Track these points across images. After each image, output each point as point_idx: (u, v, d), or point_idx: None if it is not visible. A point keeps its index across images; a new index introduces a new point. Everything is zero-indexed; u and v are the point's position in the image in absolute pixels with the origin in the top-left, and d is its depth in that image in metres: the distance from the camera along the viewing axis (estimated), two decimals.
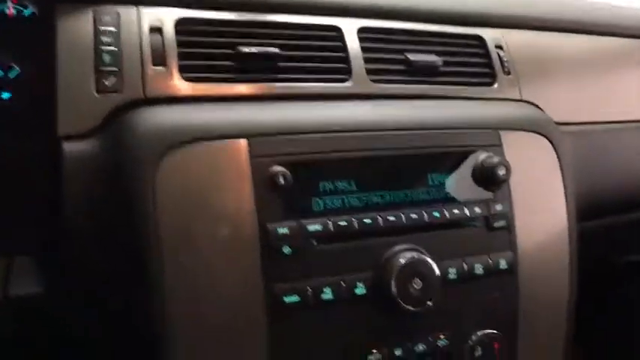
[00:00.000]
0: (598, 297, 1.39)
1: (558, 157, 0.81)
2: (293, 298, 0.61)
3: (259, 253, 0.60)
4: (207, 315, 0.59)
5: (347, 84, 0.74)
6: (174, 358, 0.58)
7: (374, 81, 0.76)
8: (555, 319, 0.79)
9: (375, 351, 0.66)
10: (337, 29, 0.77)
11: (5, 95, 0.65)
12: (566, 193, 0.80)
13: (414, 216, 0.68)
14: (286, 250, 0.61)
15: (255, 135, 0.63)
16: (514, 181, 0.75)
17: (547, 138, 0.80)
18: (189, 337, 0.58)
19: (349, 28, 0.77)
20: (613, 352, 1.39)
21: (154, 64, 0.65)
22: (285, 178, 0.61)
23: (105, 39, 0.65)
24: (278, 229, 0.61)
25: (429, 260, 0.66)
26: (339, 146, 0.66)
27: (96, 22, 0.65)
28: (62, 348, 0.70)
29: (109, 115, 0.63)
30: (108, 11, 0.67)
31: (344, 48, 0.76)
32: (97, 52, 0.64)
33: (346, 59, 0.75)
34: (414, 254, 0.66)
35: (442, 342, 0.70)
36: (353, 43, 0.76)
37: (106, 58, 0.64)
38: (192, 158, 0.60)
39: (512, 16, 0.92)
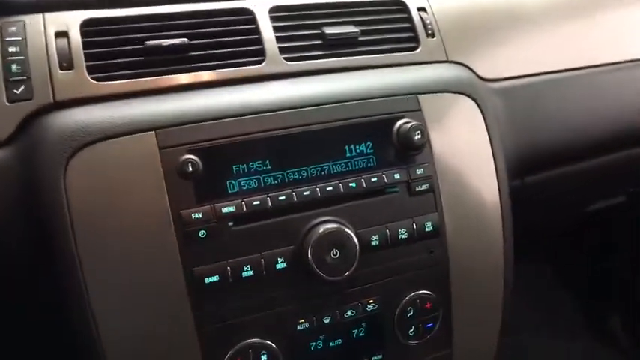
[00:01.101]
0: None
1: (484, 116, 0.81)
2: (213, 278, 0.64)
3: (176, 239, 0.63)
4: (131, 306, 0.62)
5: (260, 65, 0.75)
6: (102, 355, 0.61)
7: (288, 59, 0.77)
8: (491, 276, 0.80)
9: (302, 320, 0.69)
10: (248, 12, 0.77)
11: None
12: (493, 152, 0.81)
13: (329, 188, 0.70)
14: (202, 233, 0.64)
15: (162, 127, 0.65)
16: (437, 144, 0.76)
17: (471, 97, 0.81)
18: (114, 333, 0.62)
19: (260, 9, 0.78)
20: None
21: (62, 68, 0.67)
22: (193, 166, 0.64)
23: (12, 49, 0.67)
24: (192, 215, 0.64)
25: (346, 230, 0.68)
26: (248, 128, 0.68)
27: (2, 33, 0.68)
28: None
29: (22, 123, 0.65)
30: (14, 22, 0.69)
31: (256, 30, 0.77)
32: (5, 63, 0.66)
33: (259, 41, 0.76)
34: (331, 225, 0.68)
35: (371, 306, 0.72)
36: (264, 24, 0.77)
37: (14, 67, 0.66)
38: (101, 157, 0.63)
39: None
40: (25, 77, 0.66)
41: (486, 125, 0.81)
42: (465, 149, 0.79)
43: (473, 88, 0.82)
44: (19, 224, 0.63)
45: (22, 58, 0.67)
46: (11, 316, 0.71)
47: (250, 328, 0.67)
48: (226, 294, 0.65)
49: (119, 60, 0.70)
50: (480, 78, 0.88)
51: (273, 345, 0.67)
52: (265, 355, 0.67)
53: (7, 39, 0.67)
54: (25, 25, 0.69)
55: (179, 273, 0.63)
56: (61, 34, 0.69)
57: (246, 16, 0.77)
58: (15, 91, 0.66)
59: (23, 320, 0.68)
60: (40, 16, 0.70)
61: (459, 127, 0.80)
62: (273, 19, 0.78)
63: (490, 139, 0.81)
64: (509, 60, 0.91)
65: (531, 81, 0.93)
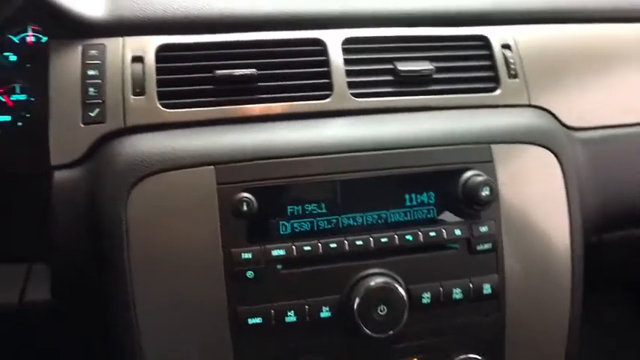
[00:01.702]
0: None
1: (563, 170, 0.75)
2: (256, 320, 0.64)
3: (224, 277, 0.63)
4: (174, 336, 0.63)
5: (327, 100, 0.74)
6: None
7: (355, 95, 0.74)
8: (552, 346, 0.75)
9: None
10: (320, 42, 0.76)
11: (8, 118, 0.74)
12: (570, 210, 0.74)
13: (383, 240, 0.67)
14: (250, 274, 0.64)
15: (222, 162, 0.65)
16: (506, 200, 0.71)
17: (550, 150, 0.75)
18: (160, 354, 0.63)
19: (333, 40, 0.76)
20: None
21: (134, 94, 0.69)
22: (248, 205, 0.63)
23: (90, 72, 0.70)
24: (242, 255, 0.64)
25: (396, 286, 0.65)
26: (308, 170, 0.67)
27: (84, 55, 0.70)
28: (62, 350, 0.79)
29: (93, 145, 0.68)
30: (95, 44, 0.71)
31: (327, 62, 0.75)
32: (84, 85, 0.69)
33: (328, 74, 0.74)
34: (381, 279, 0.65)
35: None
36: (336, 56, 0.75)
37: (91, 90, 0.69)
38: (161, 187, 0.64)
39: (524, 10, 0.84)
40: (100, 101, 0.68)
41: (565, 181, 0.75)
42: (538, 207, 0.73)
43: (554, 140, 0.75)
44: (80, 239, 0.66)
45: (100, 82, 0.69)
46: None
47: None
48: (268, 337, 0.65)
49: (189, 87, 0.71)
50: (564, 126, 0.81)
51: None
52: None
53: (88, 62, 0.70)
54: (105, 48, 0.71)
55: (223, 311, 0.64)
56: (137, 59, 0.71)
57: (317, 47, 0.76)
58: (90, 113, 0.68)
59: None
60: (119, 39, 0.72)
61: (534, 183, 0.74)
62: (345, 51, 0.76)
63: (567, 197, 0.74)
64: (600, 107, 0.83)
65: (624, 132, 0.84)
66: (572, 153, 0.77)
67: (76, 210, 0.66)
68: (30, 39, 0.79)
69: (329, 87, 0.74)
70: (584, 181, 0.78)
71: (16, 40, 0.79)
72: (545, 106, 0.81)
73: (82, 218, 0.65)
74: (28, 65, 0.77)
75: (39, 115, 0.70)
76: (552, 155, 0.75)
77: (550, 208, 0.74)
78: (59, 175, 0.67)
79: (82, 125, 0.68)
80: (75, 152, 0.68)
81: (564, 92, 0.82)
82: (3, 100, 0.79)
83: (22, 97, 0.78)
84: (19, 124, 0.77)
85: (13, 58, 0.79)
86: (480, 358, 0.71)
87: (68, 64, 0.70)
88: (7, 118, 0.78)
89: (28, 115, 0.75)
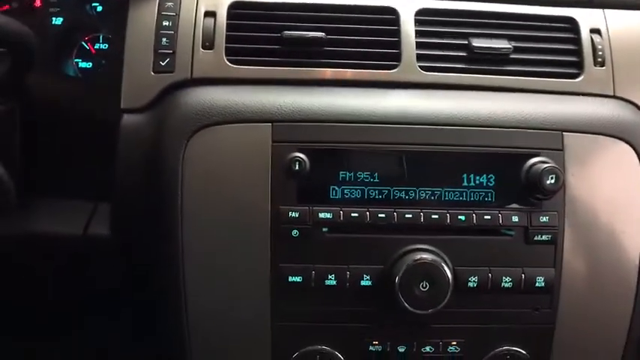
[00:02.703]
0: None
1: None
2: (296, 279, 0.64)
3: (270, 233, 0.64)
4: (219, 284, 0.65)
5: (394, 71, 0.72)
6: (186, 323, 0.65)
7: (424, 68, 0.72)
8: (605, 355, 0.69)
9: (376, 342, 0.66)
10: (393, 11, 0.74)
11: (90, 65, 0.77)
12: None
13: (434, 216, 0.65)
14: (295, 233, 0.64)
15: (280, 120, 0.66)
16: (573, 192, 0.67)
17: (630, 144, 0.69)
18: (200, 305, 0.65)
19: (407, 9, 0.74)
20: None
21: (204, 47, 0.71)
22: (300, 165, 0.64)
23: (165, 23, 0.72)
24: (289, 213, 0.64)
25: (442, 264, 0.63)
26: (364, 137, 0.66)
27: (160, 7, 0.73)
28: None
29: (161, 93, 0.71)
30: None
31: (397, 32, 0.73)
32: (157, 35, 0.72)
33: (397, 44, 0.72)
34: (426, 255, 0.64)
35: (453, 348, 0.67)
36: (407, 27, 0.73)
37: (164, 40, 0.71)
38: (217, 139, 0.65)
39: None
40: (170, 51, 0.71)
41: None
42: (610, 204, 0.68)
43: (636, 135, 0.69)
44: (140, 181, 0.69)
45: (172, 32, 0.71)
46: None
47: (322, 335, 0.66)
48: (306, 297, 0.65)
49: (256, 46, 0.71)
50: None
51: (342, 358, 0.66)
52: None
53: (163, 13, 0.72)
54: (180, 1, 0.73)
55: (266, 265, 0.64)
56: (210, 14, 0.72)
57: (389, 15, 0.74)
58: (161, 62, 0.71)
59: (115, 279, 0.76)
60: None
61: (608, 178, 0.68)
62: (418, 22, 0.73)
63: None
64: None
65: None
66: None
67: (139, 153, 0.69)
68: None
69: (397, 57, 0.72)
70: None
71: None
72: (632, 99, 0.74)
73: (143, 161, 0.68)
74: (112, 16, 0.81)
75: (116, 62, 0.73)
76: (632, 150, 0.69)
77: (623, 207, 0.68)
78: (127, 119, 0.70)
79: (153, 73, 0.71)
80: (143, 98, 0.71)
81: None
82: (87, 47, 0.84)
83: (104, 46, 0.83)
84: (99, 70, 0.81)
85: (99, 8, 0.83)
86: (523, 352, 0.67)
87: (145, 15, 0.73)
88: (89, 64, 0.83)
89: (106, 63, 0.79)
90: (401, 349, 0.67)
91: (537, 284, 0.66)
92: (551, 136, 0.67)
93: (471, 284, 0.65)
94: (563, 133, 0.67)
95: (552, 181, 0.64)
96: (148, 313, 0.76)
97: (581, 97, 0.73)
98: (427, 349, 0.67)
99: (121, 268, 0.79)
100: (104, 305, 0.90)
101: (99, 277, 0.83)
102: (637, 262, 0.68)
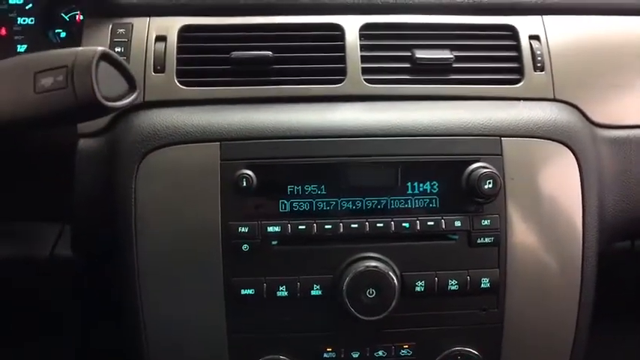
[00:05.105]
0: None
1: (580, 170, 0.71)
2: (249, 291, 0.66)
3: (221, 249, 0.67)
4: (174, 299, 0.68)
5: (339, 85, 0.74)
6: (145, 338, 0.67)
7: (369, 81, 0.74)
8: (555, 351, 0.72)
9: (329, 349, 0.69)
10: (338, 27, 0.76)
11: None
12: (585, 211, 0.71)
13: (379, 225, 0.67)
14: (245, 247, 0.66)
15: (227, 139, 0.68)
16: (514, 195, 0.69)
17: (568, 147, 0.71)
18: (157, 319, 0.68)
19: (351, 25, 0.76)
20: None
21: (155, 71, 0.74)
22: (247, 181, 0.66)
23: (117, 49, 0.75)
24: (239, 228, 0.66)
25: (387, 270, 0.66)
26: (310, 152, 0.68)
27: (112, 33, 0.76)
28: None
29: (115, 116, 0.73)
30: (123, 23, 0.76)
31: (342, 47, 0.75)
32: None
33: (343, 59, 0.75)
34: (372, 263, 0.66)
35: (405, 352, 0.69)
36: (352, 42, 0.75)
37: None
38: (169, 159, 0.68)
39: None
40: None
41: (582, 181, 0.71)
42: (550, 206, 0.71)
43: (574, 137, 0.72)
44: (97, 201, 0.71)
45: (124, 58, 0.74)
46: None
47: (279, 345, 0.68)
48: (260, 309, 0.67)
49: (206, 67, 0.74)
50: (592, 123, 0.77)
51: None
52: None
53: (115, 39, 0.75)
54: (132, 27, 0.76)
55: (219, 279, 0.67)
56: (160, 38, 0.75)
57: (335, 32, 0.76)
58: None
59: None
60: (146, 19, 0.76)
61: (547, 181, 0.71)
62: (362, 37, 0.76)
63: (583, 198, 0.71)
64: (633, 105, 0.78)
65: None
66: (594, 152, 0.73)
67: (95, 175, 0.71)
68: (79, 17, 0.86)
69: (343, 72, 0.75)
70: (608, 184, 0.74)
71: (66, 18, 0.86)
72: (572, 101, 0.77)
73: (99, 183, 0.71)
74: (74, 43, 0.83)
75: None
76: (570, 153, 0.71)
77: (563, 209, 0.71)
78: (84, 143, 0.73)
79: None
80: (98, 122, 0.73)
81: (594, 87, 0.78)
82: None
83: None
84: None
85: (63, 34, 0.86)
86: (474, 352, 0.70)
87: (98, 41, 0.75)
88: None
89: None
90: (355, 355, 0.69)
91: (483, 285, 0.68)
92: (490, 141, 0.70)
93: (418, 289, 0.67)
94: (502, 138, 0.70)
95: (490, 185, 0.67)
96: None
97: (521, 102, 0.76)
98: (380, 353, 0.69)
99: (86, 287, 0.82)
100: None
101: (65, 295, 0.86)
102: (579, 257, 0.70)
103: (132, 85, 0.55)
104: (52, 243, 0.82)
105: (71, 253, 0.79)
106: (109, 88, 0.51)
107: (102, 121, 0.73)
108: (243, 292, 0.67)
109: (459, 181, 0.68)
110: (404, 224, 0.67)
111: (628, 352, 1.12)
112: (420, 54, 0.75)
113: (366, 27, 0.77)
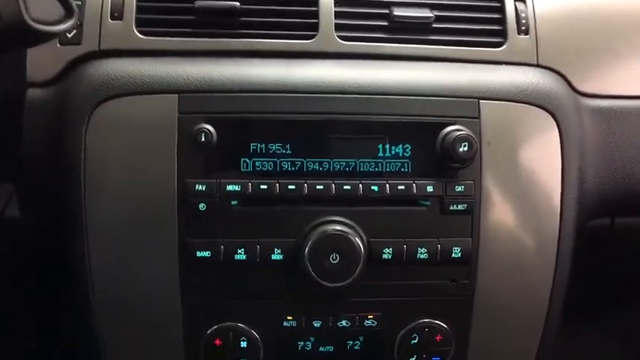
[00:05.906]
0: None
1: (561, 137, 0.68)
2: (204, 254, 0.62)
3: (176, 207, 0.62)
4: (126, 260, 0.63)
5: (310, 41, 0.70)
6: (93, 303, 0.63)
7: (342, 38, 0.70)
8: (528, 325, 0.69)
9: (290, 317, 0.65)
10: None
11: None
12: (564, 182, 0.67)
13: (346, 187, 0.63)
14: (202, 206, 0.62)
15: (186, 91, 0.63)
16: (490, 161, 0.66)
17: (549, 112, 0.68)
18: (105, 278, 0.63)
19: None
20: None
21: (112, 18, 0.68)
22: (206, 136, 0.61)
23: None
24: (196, 186, 0.62)
25: (353, 235, 0.62)
26: (275, 107, 0.64)
27: None
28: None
29: (67, 66, 0.68)
30: None
31: (316, 1, 0.71)
32: None
33: (315, 13, 0.70)
34: (337, 227, 0.62)
35: (370, 322, 0.66)
36: None
37: None
38: (124, 110, 0.63)
39: None
40: (78, 23, 0.68)
41: (562, 150, 0.68)
42: (527, 172, 0.67)
43: (556, 103, 0.68)
44: (44, 157, 0.66)
45: (79, 3, 0.68)
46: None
47: (234, 311, 0.65)
48: (216, 272, 0.63)
49: (167, 16, 0.69)
50: (575, 91, 0.73)
51: (256, 334, 0.65)
52: (245, 342, 0.65)
53: None
54: None
55: (174, 240, 0.63)
56: None
57: None
58: (67, 34, 0.68)
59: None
60: None
61: (525, 146, 0.67)
62: None
63: (563, 166, 0.67)
64: (620, 75, 0.75)
65: (636, 103, 0.75)
66: (576, 120, 0.70)
67: (44, 128, 0.66)
68: None
69: (315, 27, 0.70)
70: (590, 155, 0.71)
71: None
72: (556, 67, 0.73)
73: (47, 136, 0.66)
74: None
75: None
76: (551, 118, 0.68)
77: (542, 178, 0.67)
78: (32, 93, 0.67)
79: (59, 45, 0.68)
80: (49, 72, 0.68)
81: (579, 54, 0.74)
82: None
83: None
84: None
85: None
86: (442, 324, 0.66)
87: None
88: None
89: None
90: (316, 324, 0.65)
91: (454, 255, 0.65)
92: (467, 103, 0.66)
93: (385, 256, 0.64)
94: (480, 100, 0.66)
95: (465, 148, 0.63)
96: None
97: (503, 65, 0.72)
98: (343, 323, 0.66)
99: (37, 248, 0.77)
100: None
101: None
102: (556, 230, 0.67)
103: (69, 11, 0.50)
104: (1, 205, 0.77)
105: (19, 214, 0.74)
106: (44, 13, 0.46)
107: (52, 71, 0.68)
108: (198, 253, 0.62)
109: (433, 145, 0.65)
110: (373, 187, 0.63)
111: (602, 337, 1.10)
112: (398, 11, 0.71)
113: None
